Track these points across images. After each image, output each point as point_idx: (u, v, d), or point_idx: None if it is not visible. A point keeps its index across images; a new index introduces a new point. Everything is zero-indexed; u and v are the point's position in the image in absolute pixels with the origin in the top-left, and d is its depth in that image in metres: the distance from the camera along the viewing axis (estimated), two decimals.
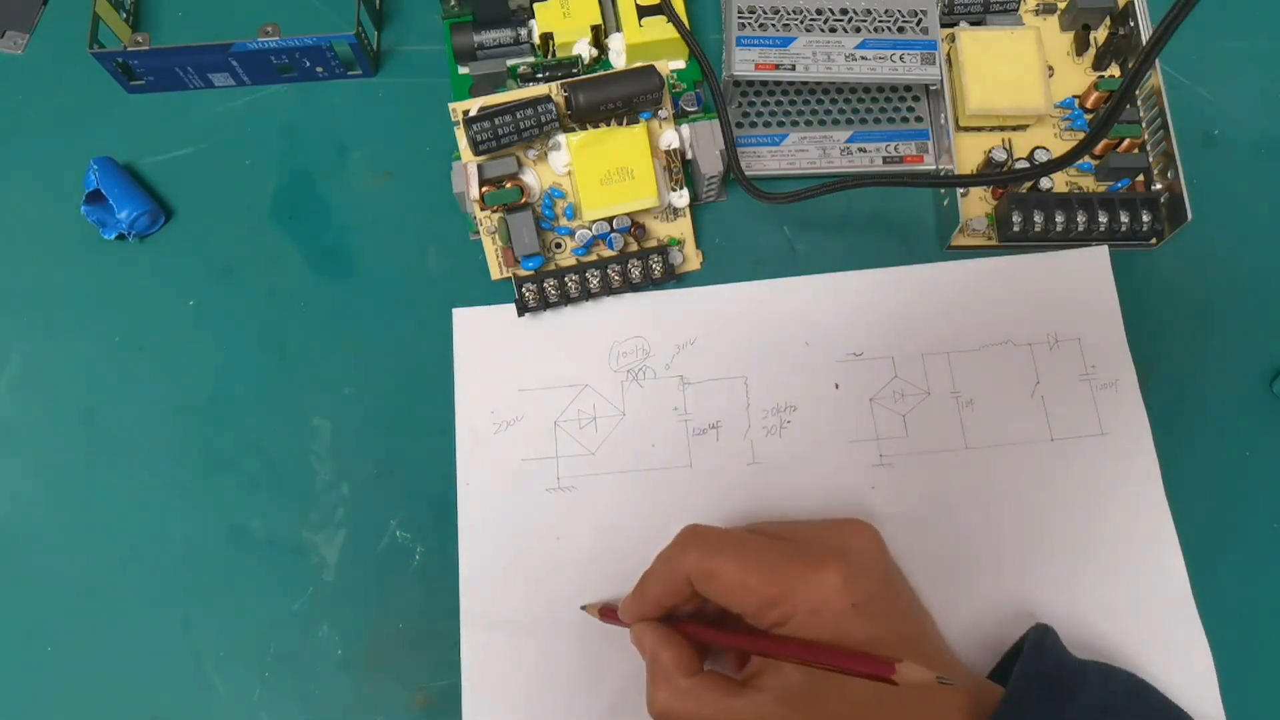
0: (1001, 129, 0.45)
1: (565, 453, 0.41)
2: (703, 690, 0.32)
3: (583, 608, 0.39)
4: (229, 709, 0.39)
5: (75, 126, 0.47)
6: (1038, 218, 0.42)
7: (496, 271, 0.43)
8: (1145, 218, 0.43)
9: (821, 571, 0.32)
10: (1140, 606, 0.39)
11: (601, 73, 0.42)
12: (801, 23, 0.43)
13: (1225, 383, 0.43)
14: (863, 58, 0.43)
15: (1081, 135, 0.45)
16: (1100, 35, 0.46)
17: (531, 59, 0.45)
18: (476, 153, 0.40)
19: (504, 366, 0.42)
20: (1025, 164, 0.44)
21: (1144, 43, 0.44)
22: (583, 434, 0.41)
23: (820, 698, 0.31)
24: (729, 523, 0.40)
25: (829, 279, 0.44)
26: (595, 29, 0.44)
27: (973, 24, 0.46)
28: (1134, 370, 0.42)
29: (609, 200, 0.41)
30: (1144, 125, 0.45)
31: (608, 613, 0.37)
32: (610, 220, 0.42)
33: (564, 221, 0.43)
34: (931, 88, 0.45)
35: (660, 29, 0.45)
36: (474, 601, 0.39)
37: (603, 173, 0.41)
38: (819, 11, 0.43)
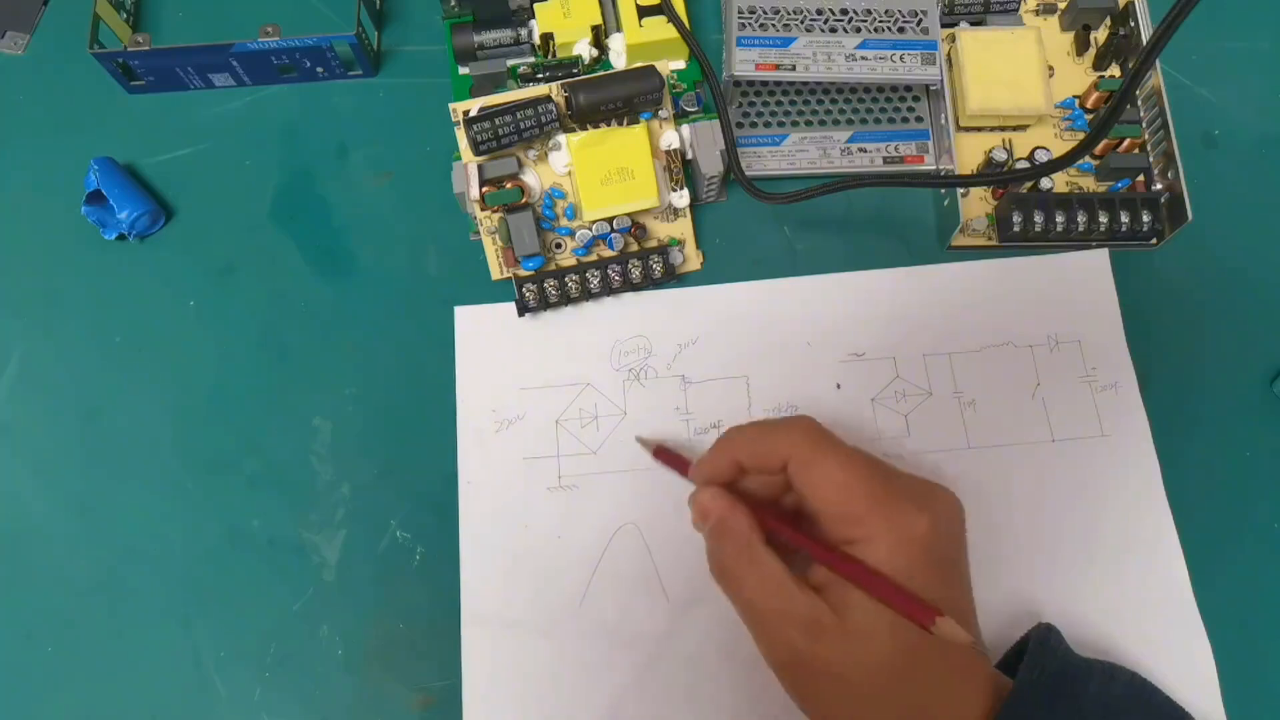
0: (1002, 129, 0.45)
1: (566, 452, 0.41)
2: (773, 566, 0.32)
3: (638, 439, 0.38)
4: (229, 709, 0.39)
5: (75, 127, 0.47)
6: (1038, 218, 0.42)
7: (497, 272, 0.43)
8: (1146, 218, 0.43)
9: (916, 512, 0.32)
10: (1141, 606, 0.39)
11: (602, 73, 0.42)
12: (802, 23, 0.43)
13: (1225, 383, 0.43)
14: (863, 58, 0.43)
15: (1082, 135, 0.45)
16: (1100, 35, 0.46)
17: (532, 59, 0.45)
18: (477, 153, 0.40)
19: (506, 364, 0.42)
20: (1025, 164, 0.44)
21: (1144, 43, 0.44)
22: (584, 433, 0.41)
23: (875, 628, 0.31)
24: None
25: (830, 279, 0.44)
26: (595, 29, 0.44)
27: (973, 24, 0.46)
28: (1134, 373, 0.42)
29: (609, 200, 0.41)
30: (1144, 125, 0.45)
31: (663, 453, 0.36)
32: (610, 220, 0.42)
33: (564, 222, 0.43)
34: (932, 88, 0.45)
35: (660, 29, 0.45)
36: (475, 601, 0.39)
37: (603, 173, 0.41)
38: (819, 11, 0.43)
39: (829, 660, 0.31)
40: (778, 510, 0.36)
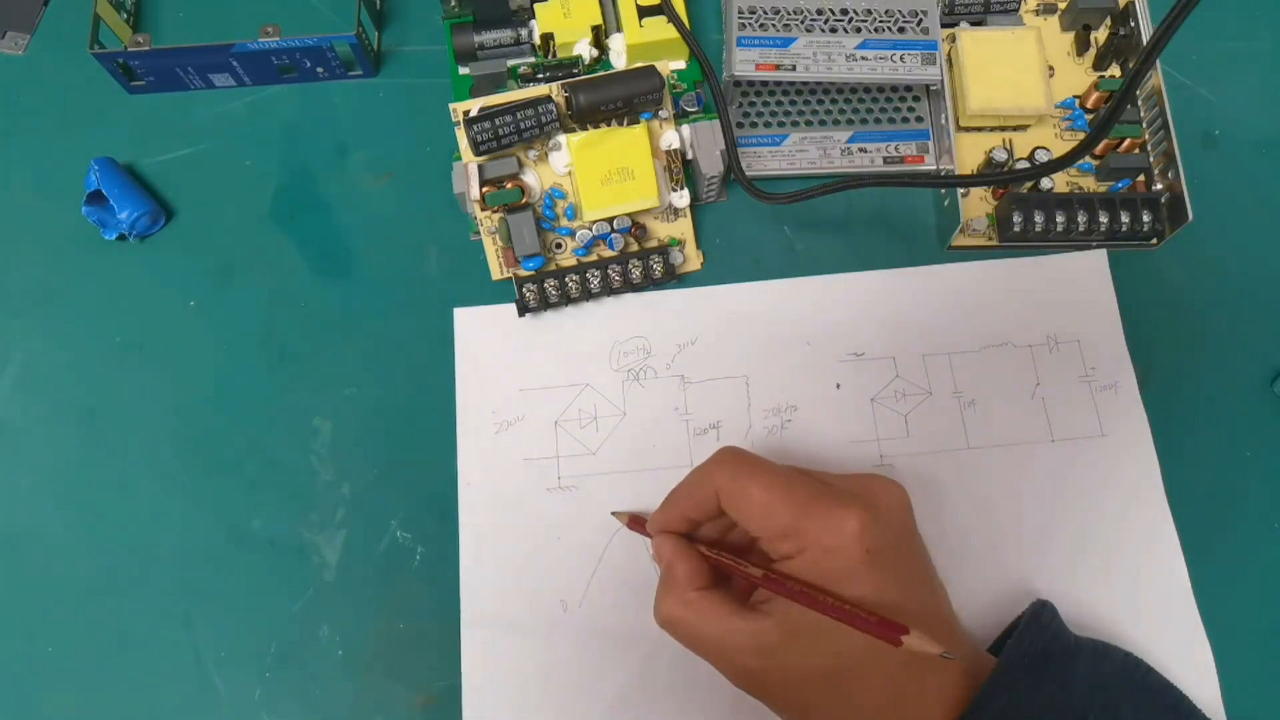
0: (1002, 129, 0.45)
1: (566, 452, 0.41)
2: (708, 604, 0.33)
3: (614, 513, 0.39)
4: (230, 709, 0.39)
5: (76, 127, 0.47)
6: (1038, 218, 0.42)
7: (497, 272, 0.43)
8: (1146, 218, 0.43)
9: (843, 511, 0.32)
10: (1141, 607, 0.39)
11: (602, 73, 0.42)
12: (802, 23, 0.43)
13: (1225, 383, 0.43)
14: (863, 58, 0.43)
15: (1082, 135, 0.45)
16: (1101, 35, 0.46)
17: (532, 59, 0.45)
18: (477, 153, 0.40)
19: (505, 366, 0.42)
20: (1026, 164, 0.44)
21: (1144, 43, 0.44)
22: (584, 434, 0.41)
23: (822, 636, 0.31)
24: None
25: (830, 279, 0.44)
26: (596, 29, 0.44)
27: (973, 24, 0.46)
28: (1133, 373, 0.42)
29: (609, 200, 0.41)
30: (1144, 125, 0.45)
31: (636, 522, 0.38)
32: (610, 220, 0.42)
33: (564, 222, 0.43)
34: (932, 88, 0.45)
35: (661, 29, 0.45)
36: (474, 601, 0.39)
37: (603, 173, 0.41)
38: (819, 12, 0.43)
39: (785, 670, 0.32)
40: (726, 546, 0.36)
